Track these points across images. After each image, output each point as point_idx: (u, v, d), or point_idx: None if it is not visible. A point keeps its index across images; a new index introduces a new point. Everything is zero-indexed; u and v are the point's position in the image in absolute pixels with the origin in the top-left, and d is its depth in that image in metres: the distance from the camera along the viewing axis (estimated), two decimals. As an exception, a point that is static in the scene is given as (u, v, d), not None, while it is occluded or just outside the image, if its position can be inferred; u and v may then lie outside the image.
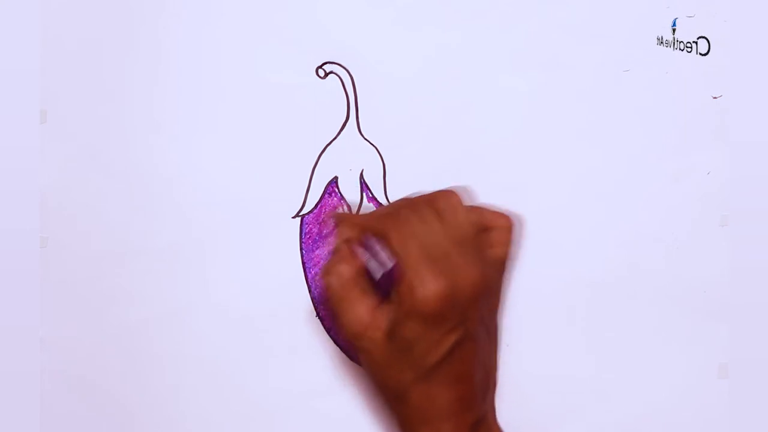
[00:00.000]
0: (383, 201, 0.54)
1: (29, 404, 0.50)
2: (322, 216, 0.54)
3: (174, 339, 0.53)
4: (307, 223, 0.54)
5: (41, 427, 0.52)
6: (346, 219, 0.49)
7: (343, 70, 0.54)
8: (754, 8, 0.53)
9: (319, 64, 0.54)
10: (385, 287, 0.46)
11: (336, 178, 0.54)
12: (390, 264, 0.45)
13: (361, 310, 0.45)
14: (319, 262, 0.53)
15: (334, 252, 0.48)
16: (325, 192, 0.54)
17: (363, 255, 0.47)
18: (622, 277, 0.54)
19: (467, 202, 0.47)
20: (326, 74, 0.54)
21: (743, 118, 0.53)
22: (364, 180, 0.54)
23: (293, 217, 0.54)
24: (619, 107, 0.54)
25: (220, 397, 0.53)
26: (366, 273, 0.47)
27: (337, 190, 0.54)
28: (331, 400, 0.53)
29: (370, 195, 0.54)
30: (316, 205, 0.54)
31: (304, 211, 0.54)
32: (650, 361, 0.54)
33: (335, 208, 0.54)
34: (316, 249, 0.54)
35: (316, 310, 0.53)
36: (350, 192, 0.54)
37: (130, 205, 0.53)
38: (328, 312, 0.47)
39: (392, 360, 0.44)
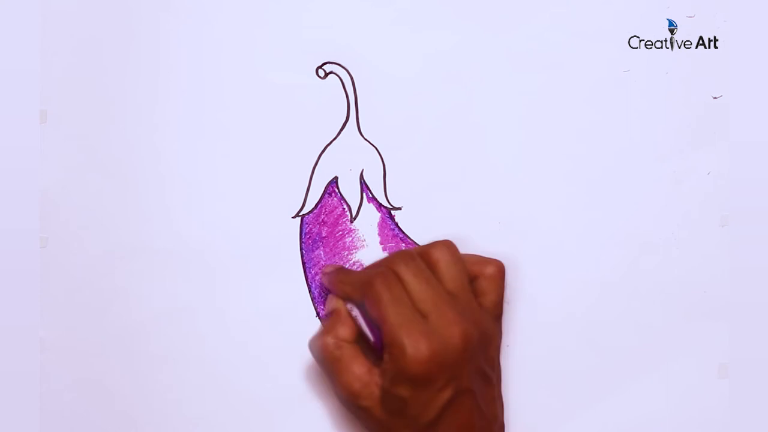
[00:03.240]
0: (383, 201, 0.54)
1: (29, 404, 0.50)
2: (322, 216, 0.54)
3: (174, 339, 0.53)
4: (307, 223, 0.54)
5: (41, 427, 0.52)
6: (339, 279, 0.49)
7: (343, 70, 0.54)
8: (754, 8, 0.53)
9: (319, 64, 0.54)
10: (380, 348, 0.46)
11: (336, 178, 0.54)
12: (372, 334, 0.46)
13: (358, 370, 0.46)
14: (318, 262, 0.53)
15: (330, 314, 0.48)
16: (325, 192, 0.54)
17: (357, 317, 0.47)
18: (622, 277, 0.54)
19: (456, 253, 0.47)
20: (326, 74, 0.54)
21: (743, 118, 0.53)
22: (364, 180, 0.54)
23: (293, 217, 0.54)
24: (619, 108, 0.54)
25: (220, 397, 0.53)
26: (358, 339, 0.47)
27: (337, 190, 0.54)
28: (331, 401, 0.53)
29: (370, 195, 0.54)
30: (316, 205, 0.54)
31: (304, 211, 0.54)
32: (650, 361, 0.54)
33: (335, 208, 0.54)
34: (316, 249, 0.54)
35: (316, 310, 0.53)
36: (350, 192, 0.54)
37: (131, 206, 0.53)
38: (324, 373, 0.48)
39: (389, 419, 0.45)
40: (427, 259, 0.47)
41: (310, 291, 0.53)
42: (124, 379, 0.53)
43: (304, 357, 0.53)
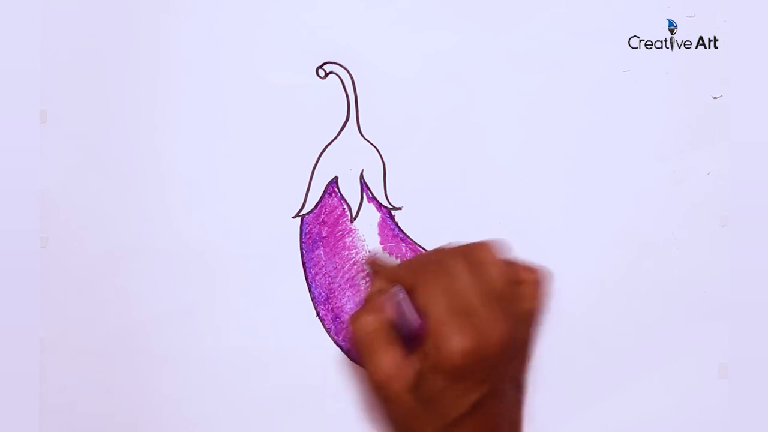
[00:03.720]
0: (383, 201, 0.54)
1: (29, 404, 0.50)
2: (322, 216, 0.54)
3: (174, 339, 0.53)
4: (307, 223, 0.54)
5: (41, 427, 0.52)
6: (381, 269, 0.49)
7: (343, 70, 0.54)
8: (754, 8, 0.53)
9: (319, 64, 0.54)
10: (414, 340, 0.46)
11: (336, 178, 0.54)
12: (418, 319, 0.46)
13: (388, 359, 0.45)
14: (318, 262, 0.53)
15: (366, 301, 0.48)
16: (325, 192, 0.54)
17: (393, 307, 0.47)
18: (622, 277, 0.54)
19: (501, 255, 0.47)
20: (326, 74, 0.54)
21: (743, 118, 0.53)
22: (364, 180, 0.54)
23: (293, 217, 0.54)
24: (619, 108, 0.54)
25: (220, 397, 0.53)
26: (395, 326, 0.47)
27: (337, 190, 0.54)
28: (331, 400, 0.53)
29: (370, 195, 0.54)
30: (316, 205, 0.54)
31: (304, 211, 0.54)
32: (650, 361, 0.54)
33: (335, 208, 0.54)
34: (316, 249, 0.54)
35: (316, 310, 0.53)
36: (350, 192, 0.54)
37: (131, 206, 0.53)
38: (359, 353, 0.47)
39: (415, 412, 0.45)
40: (472, 257, 0.46)
41: (310, 291, 0.53)
42: (124, 379, 0.53)
43: (304, 357, 0.53)
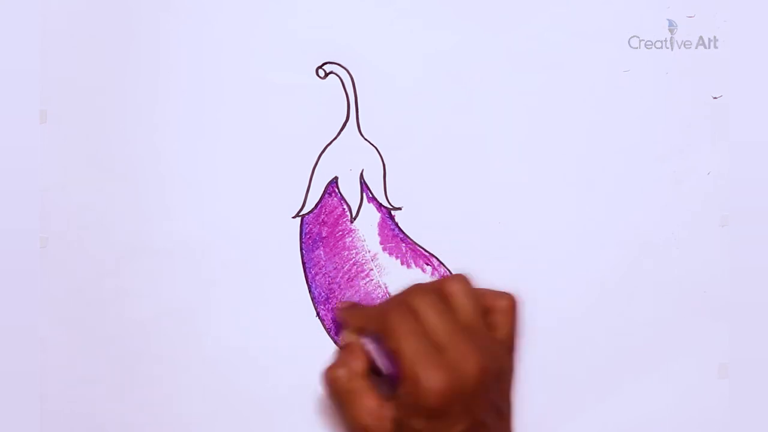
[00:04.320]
0: (383, 201, 0.54)
1: (29, 404, 0.50)
2: (322, 216, 0.54)
3: (173, 339, 0.53)
4: (307, 223, 0.54)
5: (41, 427, 0.52)
6: (349, 319, 0.49)
7: (343, 70, 0.54)
8: (754, 8, 0.53)
9: (319, 64, 0.54)
10: (393, 382, 0.46)
11: (336, 178, 0.54)
12: (389, 366, 0.46)
13: (369, 403, 0.46)
14: (318, 261, 0.53)
15: (343, 347, 0.48)
16: (325, 192, 0.54)
17: (364, 357, 0.48)
18: (622, 277, 0.54)
19: (470, 285, 0.47)
20: (326, 74, 0.54)
21: (743, 118, 0.53)
22: (364, 180, 0.54)
23: (293, 217, 0.54)
24: (619, 108, 0.54)
25: (220, 397, 0.53)
26: (372, 373, 0.48)
27: (337, 190, 0.54)
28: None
29: (370, 195, 0.54)
30: (316, 205, 0.54)
31: (304, 211, 0.54)
32: (650, 361, 0.54)
33: (335, 208, 0.54)
34: (316, 249, 0.54)
35: (316, 310, 0.53)
36: (350, 192, 0.54)
37: (130, 205, 0.53)
38: (332, 407, 0.48)
39: None
40: (441, 292, 0.47)
41: (310, 291, 0.53)
42: (124, 379, 0.53)
43: (303, 357, 0.53)
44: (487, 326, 0.47)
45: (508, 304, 0.48)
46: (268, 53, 0.53)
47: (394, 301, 0.47)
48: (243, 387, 0.53)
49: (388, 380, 0.47)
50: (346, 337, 0.50)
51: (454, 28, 0.54)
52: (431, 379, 0.43)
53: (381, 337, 0.46)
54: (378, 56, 0.54)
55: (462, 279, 0.47)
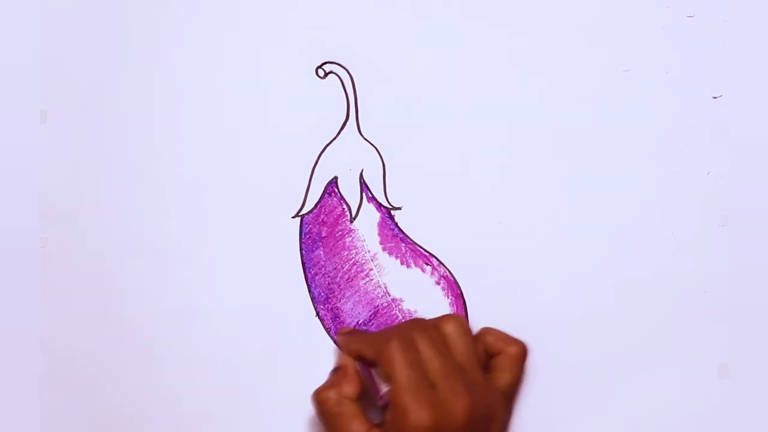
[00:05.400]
0: (383, 201, 0.54)
1: (29, 404, 0.50)
2: (321, 216, 0.54)
3: (174, 339, 0.53)
4: (307, 223, 0.54)
5: (41, 427, 0.52)
6: (351, 338, 0.50)
7: (343, 70, 0.54)
8: (754, 8, 0.53)
9: (319, 64, 0.54)
10: (383, 409, 0.46)
11: (336, 178, 0.54)
12: (385, 389, 0.46)
13: (357, 428, 0.46)
14: (318, 261, 0.53)
15: (336, 370, 0.49)
16: (324, 192, 0.54)
17: (363, 377, 0.48)
18: (622, 277, 0.54)
19: (467, 328, 0.48)
20: (326, 74, 0.54)
21: (743, 118, 0.53)
22: (363, 180, 0.54)
23: (293, 217, 0.54)
24: (619, 107, 0.54)
25: (220, 397, 0.53)
26: (364, 395, 0.48)
27: (336, 190, 0.54)
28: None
29: (370, 195, 0.54)
30: (316, 205, 0.54)
31: (304, 211, 0.54)
32: (650, 361, 0.54)
33: (335, 208, 0.54)
34: (316, 249, 0.54)
35: (316, 310, 0.53)
36: (350, 192, 0.54)
37: (130, 205, 0.53)
38: (323, 426, 0.48)
39: None
40: (439, 330, 0.48)
41: (310, 291, 0.53)
42: (124, 379, 0.53)
43: (304, 357, 0.53)
44: (490, 368, 0.48)
45: (518, 351, 0.50)
46: (268, 53, 0.54)
47: (394, 330, 0.48)
48: (243, 387, 0.53)
49: (380, 407, 0.47)
50: (341, 359, 0.50)
51: (455, 28, 0.54)
52: (418, 412, 0.44)
53: (376, 364, 0.47)
54: (378, 56, 0.54)
55: (456, 318, 0.49)
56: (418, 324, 0.48)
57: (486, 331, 0.51)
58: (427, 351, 0.46)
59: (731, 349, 0.53)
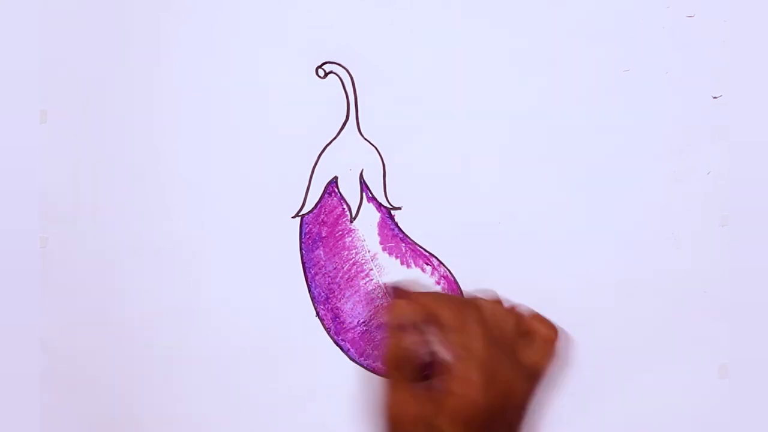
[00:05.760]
0: (383, 201, 0.54)
1: (29, 404, 0.50)
2: (321, 216, 0.54)
3: (173, 339, 0.53)
4: (307, 223, 0.54)
5: (41, 427, 0.52)
6: (418, 297, 0.48)
7: (343, 70, 0.54)
8: (754, 8, 0.53)
9: (319, 64, 0.54)
10: (431, 368, 0.46)
11: (336, 178, 0.54)
12: (447, 356, 0.45)
13: (404, 395, 0.45)
14: (318, 261, 0.53)
15: (399, 328, 0.46)
16: (324, 192, 0.54)
17: (424, 337, 0.47)
18: (622, 277, 0.54)
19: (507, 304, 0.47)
20: (326, 74, 0.54)
21: (743, 118, 0.53)
22: (363, 180, 0.54)
23: (293, 217, 0.54)
24: (620, 107, 0.54)
25: (220, 397, 0.53)
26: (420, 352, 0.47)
27: (336, 190, 0.54)
28: (331, 401, 0.53)
29: (370, 195, 0.54)
30: (316, 205, 0.54)
31: (304, 211, 0.54)
32: (650, 361, 0.54)
33: (335, 208, 0.54)
34: (316, 249, 0.54)
35: (315, 310, 0.53)
36: (350, 192, 0.54)
37: (130, 205, 0.53)
38: (378, 354, 0.48)
39: None
40: (481, 308, 0.47)
41: (309, 291, 0.53)
42: (124, 379, 0.53)
43: (303, 357, 0.53)
44: (521, 348, 0.47)
45: (551, 335, 0.48)
46: (268, 53, 0.54)
47: (468, 302, 0.46)
48: (243, 386, 0.53)
49: (432, 365, 0.46)
50: (404, 317, 0.45)
51: (455, 28, 0.54)
52: (473, 389, 0.43)
53: (448, 329, 0.45)
54: (378, 56, 0.54)
55: (494, 296, 0.47)
56: (487, 299, 0.47)
57: (521, 310, 0.49)
58: (484, 325, 0.45)
59: (731, 349, 0.53)
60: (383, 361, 0.46)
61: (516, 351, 0.47)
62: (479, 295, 0.47)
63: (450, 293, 0.48)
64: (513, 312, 0.48)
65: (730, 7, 0.54)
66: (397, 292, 0.48)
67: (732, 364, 0.53)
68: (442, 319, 0.45)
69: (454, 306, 0.46)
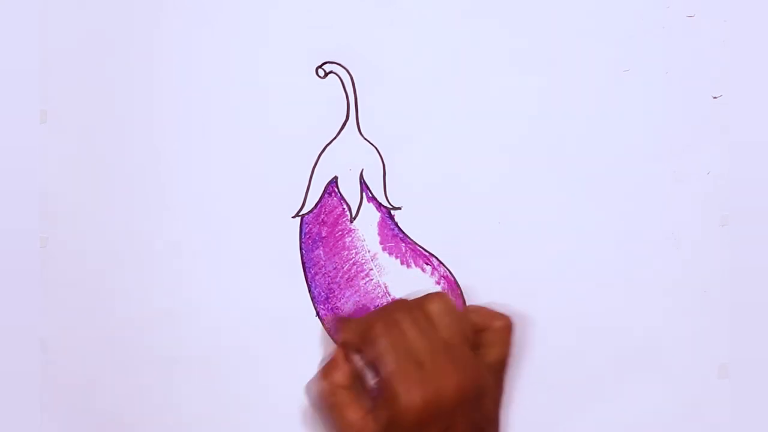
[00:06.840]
0: (383, 201, 0.54)
1: (29, 404, 0.50)
2: (321, 216, 0.54)
3: (174, 339, 0.53)
4: (307, 223, 0.54)
5: (41, 427, 0.52)
6: (343, 325, 0.50)
7: (343, 70, 0.54)
8: (754, 8, 0.53)
9: (319, 63, 0.54)
10: (377, 393, 0.46)
11: (336, 177, 0.54)
12: (372, 375, 0.46)
13: (353, 416, 0.46)
14: (318, 261, 0.53)
15: (330, 358, 0.49)
16: (324, 192, 0.54)
17: (357, 362, 0.48)
18: (622, 277, 0.54)
19: (458, 304, 0.48)
20: (326, 74, 0.54)
21: (743, 118, 0.53)
22: (363, 180, 0.54)
23: (293, 217, 0.54)
24: (620, 107, 0.54)
25: (220, 397, 0.53)
26: (359, 379, 0.48)
27: (336, 190, 0.54)
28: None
29: (370, 195, 0.54)
30: (316, 205, 0.54)
31: (304, 210, 0.54)
32: (650, 361, 0.54)
33: (335, 208, 0.54)
34: (316, 249, 0.54)
35: (316, 310, 0.53)
36: (350, 192, 0.54)
37: (130, 205, 0.53)
38: (319, 416, 0.49)
39: None
40: (423, 310, 0.47)
41: (310, 291, 0.53)
42: (123, 379, 0.53)
43: (303, 357, 0.53)
44: (478, 344, 0.48)
45: (504, 324, 0.49)
46: (268, 53, 0.54)
47: (377, 314, 0.48)
48: (243, 387, 0.53)
49: (371, 392, 0.47)
50: (331, 348, 0.50)
51: (455, 28, 0.54)
52: (408, 394, 0.44)
53: (364, 350, 0.46)
54: (378, 56, 0.54)
55: (440, 296, 0.48)
56: (401, 305, 0.47)
57: (471, 308, 0.50)
58: (411, 331, 0.46)
59: (731, 349, 0.53)
60: (329, 388, 0.47)
61: (478, 347, 0.47)
62: (426, 300, 0.48)
63: (387, 306, 0.49)
64: (465, 312, 0.48)
65: (730, 7, 0.54)
66: (336, 323, 0.50)
67: (732, 364, 0.53)
68: (373, 334, 0.46)
69: (362, 329, 0.47)
